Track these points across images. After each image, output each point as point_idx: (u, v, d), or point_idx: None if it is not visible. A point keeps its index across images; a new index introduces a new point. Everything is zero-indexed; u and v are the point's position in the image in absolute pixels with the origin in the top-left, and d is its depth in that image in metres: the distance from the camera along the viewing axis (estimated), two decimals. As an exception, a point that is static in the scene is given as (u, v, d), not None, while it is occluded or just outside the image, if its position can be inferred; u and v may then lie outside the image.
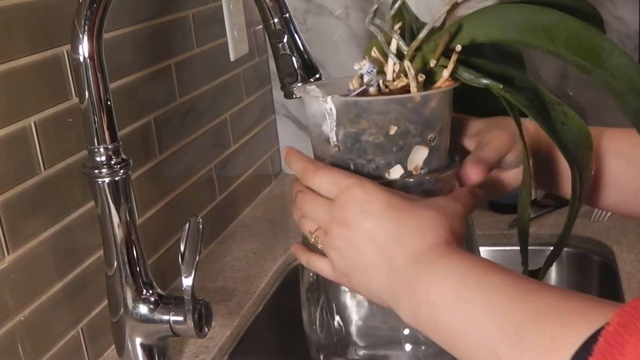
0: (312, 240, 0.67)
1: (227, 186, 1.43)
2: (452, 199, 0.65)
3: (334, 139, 0.66)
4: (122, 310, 0.90)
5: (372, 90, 0.67)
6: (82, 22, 0.81)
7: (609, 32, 1.40)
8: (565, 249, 1.28)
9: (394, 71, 0.68)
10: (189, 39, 1.29)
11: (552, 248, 0.73)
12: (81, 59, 0.82)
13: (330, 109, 0.65)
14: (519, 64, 0.74)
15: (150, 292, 0.91)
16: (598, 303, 0.50)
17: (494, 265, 0.57)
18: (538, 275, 0.72)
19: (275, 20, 0.93)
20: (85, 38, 0.81)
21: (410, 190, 0.66)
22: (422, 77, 0.65)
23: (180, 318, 0.89)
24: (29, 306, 0.87)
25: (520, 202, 0.70)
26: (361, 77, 0.68)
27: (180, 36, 1.26)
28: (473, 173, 0.68)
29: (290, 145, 0.72)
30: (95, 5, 0.81)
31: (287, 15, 0.93)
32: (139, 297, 0.90)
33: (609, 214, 1.31)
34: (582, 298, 0.51)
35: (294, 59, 0.92)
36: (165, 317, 0.90)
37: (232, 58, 1.44)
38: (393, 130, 0.64)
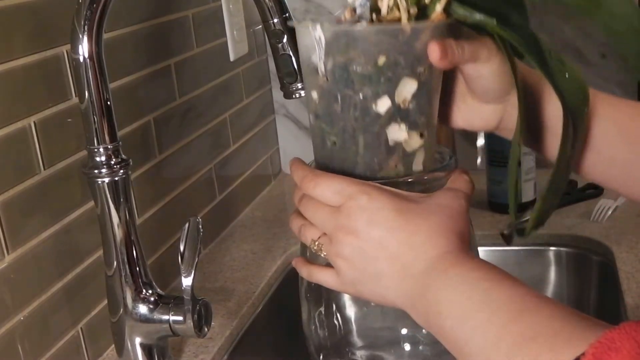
0: (315, 248, 0.66)
1: (226, 186, 1.43)
2: (453, 194, 0.65)
3: (322, 69, 0.65)
4: (121, 310, 0.90)
5: (364, 23, 0.66)
6: (82, 22, 0.81)
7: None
8: (564, 249, 1.28)
9: (388, 6, 0.67)
10: (189, 38, 1.29)
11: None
12: (81, 59, 0.82)
13: (319, 38, 0.64)
14: (518, 5, 0.72)
15: (150, 292, 0.91)
16: (587, 327, 0.51)
17: (500, 277, 0.58)
18: (524, 233, 0.69)
19: (275, 20, 0.93)
20: (85, 38, 0.81)
21: (410, 190, 0.66)
22: (414, 10, 0.64)
23: (180, 318, 0.89)
24: (28, 306, 0.87)
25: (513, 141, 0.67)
26: (353, 9, 0.67)
27: (180, 36, 1.26)
28: (433, 49, 0.64)
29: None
30: (94, 5, 0.81)
31: (287, 15, 0.93)
32: (138, 297, 0.90)
33: (609, 214, 1.31)
34: (574, 320, 0.53)
35: (293, 59, 0.92)
36: (165, 317, 0.90)
37: (231, 58, 1.44)
38: (382, 60, 0.63)
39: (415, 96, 0.65)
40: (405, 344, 0.72)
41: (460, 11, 0.64)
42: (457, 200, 0.64)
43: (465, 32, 0.68)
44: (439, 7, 0.64)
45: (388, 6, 0.67)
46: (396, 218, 0.62)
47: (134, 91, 1.11)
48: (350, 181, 0.64)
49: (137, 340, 0.91)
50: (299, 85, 0.92)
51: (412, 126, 0.66)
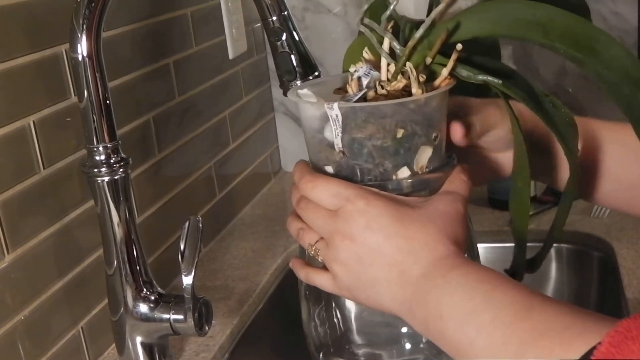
0: (312, 252, 0.66)
1: (226, 184, 1.43)
2: (451, 199, 0.65)
3: (340, 145, 0.65)
4: (122, 309, 0.90)
5: (371, 94, 0.67)
6: (81, 21, 0.81)
7: (607, 29, 1.40)
8: (565, 245, 1.28)
9: (388, 71, 0.68)
10: (188, 37, 1.28)
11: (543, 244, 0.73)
12: (80, 57, 0.82)
13: (336, 116, 0.64)
14: (495, 54, 0.75)
15: (151, 290, 0.91)
16: (597, 320, 0.51)
17: (500, 280, 0.58)
18: (515, 274, 0.72)
19: (274, 18, 0.93)
20: (84, 37, 0.81)
21: (414, 190, 0.66)
22: (423, 78, 0.65)
23: (181, 317, 0.89)
24: (29, 305, 0.87)
25: (516, 194, 0.69)
26: (359, 79, 0.67)
27: (178, 34, 1.26)
28: (456, 130, 0.68)
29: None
30: (93, 4, 0.81)
31: (286, 13, 0.93)
32: (139, 296, 0.90)
33: (609, 210, 1.31)
34: (582, 315, 0.53)
35: (292, 56, 0.92)
36: (166, 316, 0.90)
37: (230, 56, 1.44)
38: (400, 133, 0.64)
39: (430, 160, 0.66)
40: (405, 342, 0.71)
41: (464, 73, 0.66)
42: (455, 204, 0.64)
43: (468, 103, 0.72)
44: (445, 72, 0.66)
45: (388, 71, 0.67)
46: (393, 224, 0.61)
47: (133, 90, 1.11)
48: (348, 184, 0.64)
49: (138, 339, 0.91)
50: (298, 83, 0.92)
51: (432, 192, 0.67)
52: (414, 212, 0.63)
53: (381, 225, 0.61)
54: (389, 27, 0.68)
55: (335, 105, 0.63)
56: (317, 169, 0.68)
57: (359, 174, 0.66)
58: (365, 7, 0.68)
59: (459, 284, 0.58)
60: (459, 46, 0.64)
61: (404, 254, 0.61)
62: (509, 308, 0.55)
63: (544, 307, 0.54)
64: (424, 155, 0.66)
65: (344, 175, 0.66)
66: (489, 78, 0.64)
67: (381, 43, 0.68)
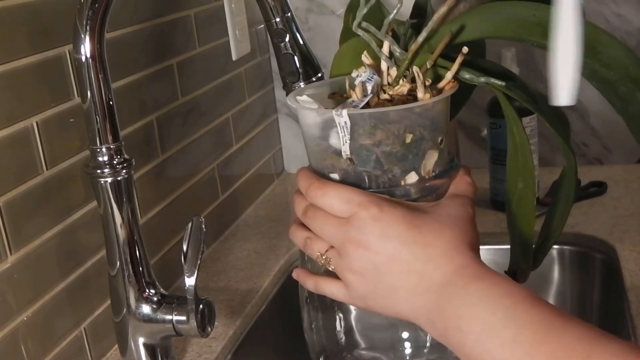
0: (322, 262, 0.65)
1: (229, 185, 1.43)
2: (460, 202, 0.65)
3: (347, 152, 0.64)
4: (124, 310, 0.90)
5: (375, 99, 0.67)
6: (84, 22, 0.81)
7: (611, 30, 1.40)
8: (567, 247, 1.28)
9: (389, 75, 0.68)
10: (191, 38, 1.29)
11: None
12: (83, 58, 0.82)
13: (345, 123, 0.63)
14: (480, 53, 0.76)
15: (153, 291, 0.91)
16: (617, 348, 0.50)
17: (522, 294, 0.57)
18: (516, 275, 0.71)
19: (277, 19, 0.93)
20: (87, 38, 0.81)
21: (422, 195, 0.66)
22: (428, 82, 0.65)
23: (183, 318, 0.89)
24: (31, 306, 0.87)
25: (516, 195, 0.68)
26: (363, 84, 0.67)
27: (182, 36, 1.26)
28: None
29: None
30: (96, 5, 0.81)
31: (289, 14, 0.93)
32: (141, 297, 0.90)
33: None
34: (603, 339, 0.52)
35: (295, 58, 0.92)
36: (168, 317, 0.90)
37: (234, 57, 1.44)
38: (409, 138, 0.64)
39: (436, 164, 0.66)
40: (407, 347, 0.71)
41: (467, 75, 0.66)
42: (465, 208, 0.64)
43: None
44: (449, 75, 0.66)
45: (389, 75, 0.67)
46: (408, 231, 0.60)
47: (136, 91, 1.11)
48: (359, 191, 0.63)
49: (141, 340, 0.91)
50: (301, 84, 0.92)
51: (438, 196, 0.67)
52: (429, 217, 0.62)
53: (397, 232, 0.60)
54: (389, 30, 0.68)
55: (344, 111, 0.62)
56: (320, 177, 0.67)
57: (366, 180, 0.65)
58: (365, 10, 0.67)
59: (480, 296, 0.57)
60: (465, 49, 0.64)
61: (423, 261, 0.60)
62: (530, 327, 0.54)
63: (565, 329, 0.53)
64: (431, 159, 0.66)
65: (351, 183, 0.65)
66: (492, 80, 0.64)
67: (380, 47, 0.68)
